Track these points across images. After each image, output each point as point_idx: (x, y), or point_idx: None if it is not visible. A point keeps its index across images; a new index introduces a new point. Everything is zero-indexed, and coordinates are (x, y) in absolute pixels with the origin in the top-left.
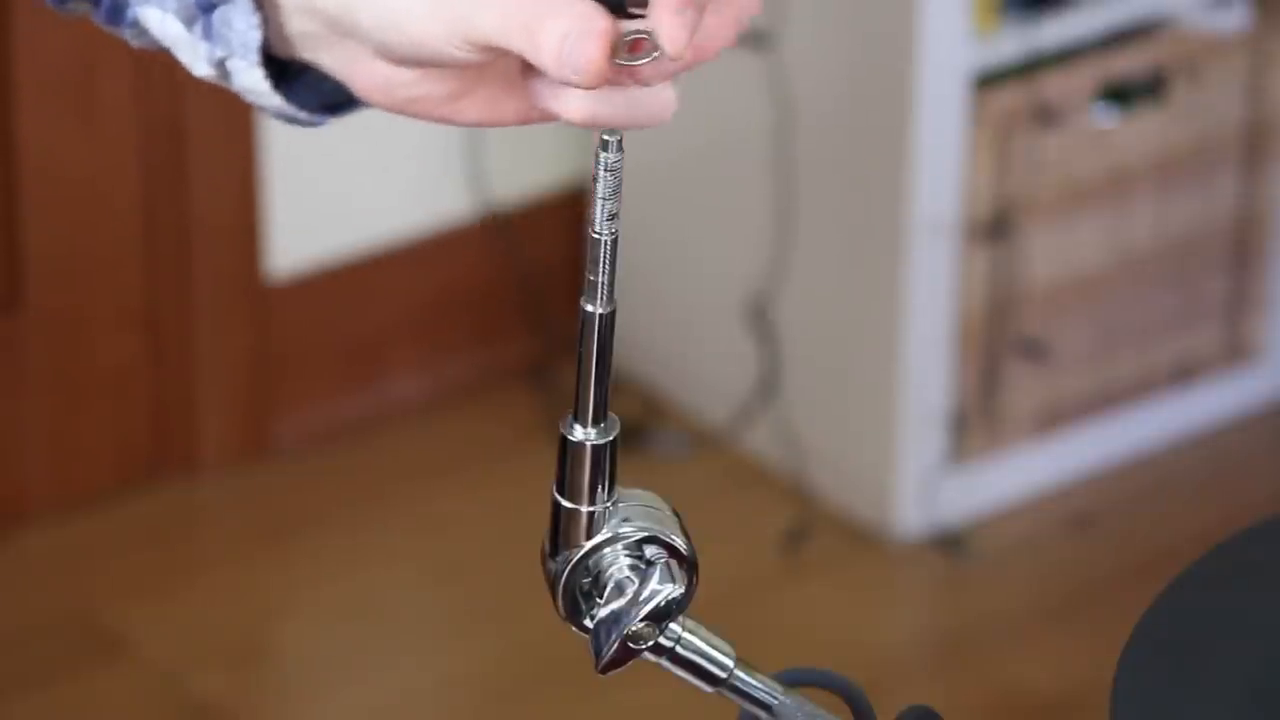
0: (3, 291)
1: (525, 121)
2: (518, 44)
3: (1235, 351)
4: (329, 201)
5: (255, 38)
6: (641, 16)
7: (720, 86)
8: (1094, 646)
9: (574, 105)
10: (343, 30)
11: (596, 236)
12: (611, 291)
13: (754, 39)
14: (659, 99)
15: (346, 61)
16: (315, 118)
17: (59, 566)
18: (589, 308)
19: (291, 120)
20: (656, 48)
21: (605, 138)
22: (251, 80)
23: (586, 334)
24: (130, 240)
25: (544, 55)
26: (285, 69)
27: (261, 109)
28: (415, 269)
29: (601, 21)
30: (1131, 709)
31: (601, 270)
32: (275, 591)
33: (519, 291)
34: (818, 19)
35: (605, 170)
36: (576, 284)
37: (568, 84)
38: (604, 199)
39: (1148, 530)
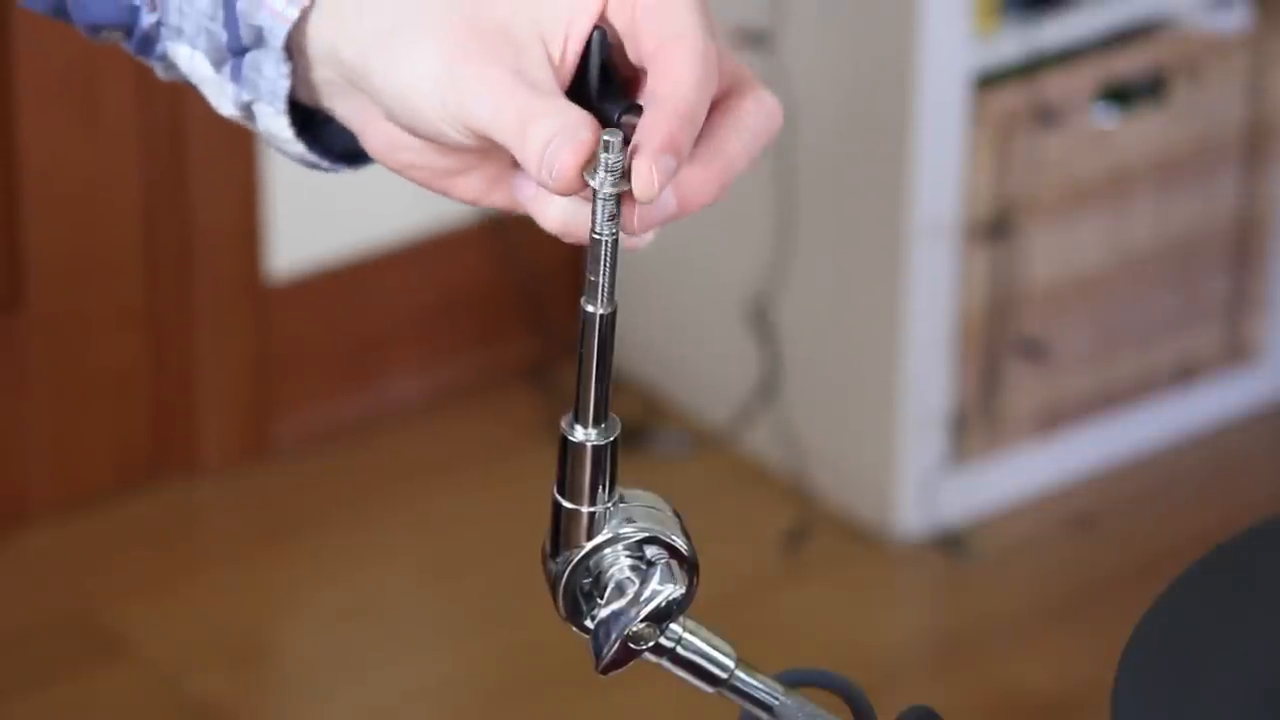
0: (4, 292)
1: (514, 211)
2: (508, 138)
3: (1235, 351)
4: (329, 202)
5: (284, 86)
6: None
7: None
8: (1095, 646)
9: (550, 213)
10: (358, 86)
11: (597, 237)
12: (612, 292)
13: (754, 39)
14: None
15: (360, 113)
16: (335, 166)
17: (59, 566)
18: (589, 308)
19: (312, 166)
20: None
21: (606, 138)
22: (276, 126)
23: (587, 334)
24: (131, 241)
25: (528, 153)
26: (309, 116)
27: (283, 153)
28: (415, 270)
29: (586, 133)
30: (1132, 709)
31: (602, 271)
32: (275, 591)
33: (519, 292)
34: (818, 19)
35: (605, 171)
36: (576, 285)
37: (543, 186)
38: (604, 199)
39: (1148, 530)
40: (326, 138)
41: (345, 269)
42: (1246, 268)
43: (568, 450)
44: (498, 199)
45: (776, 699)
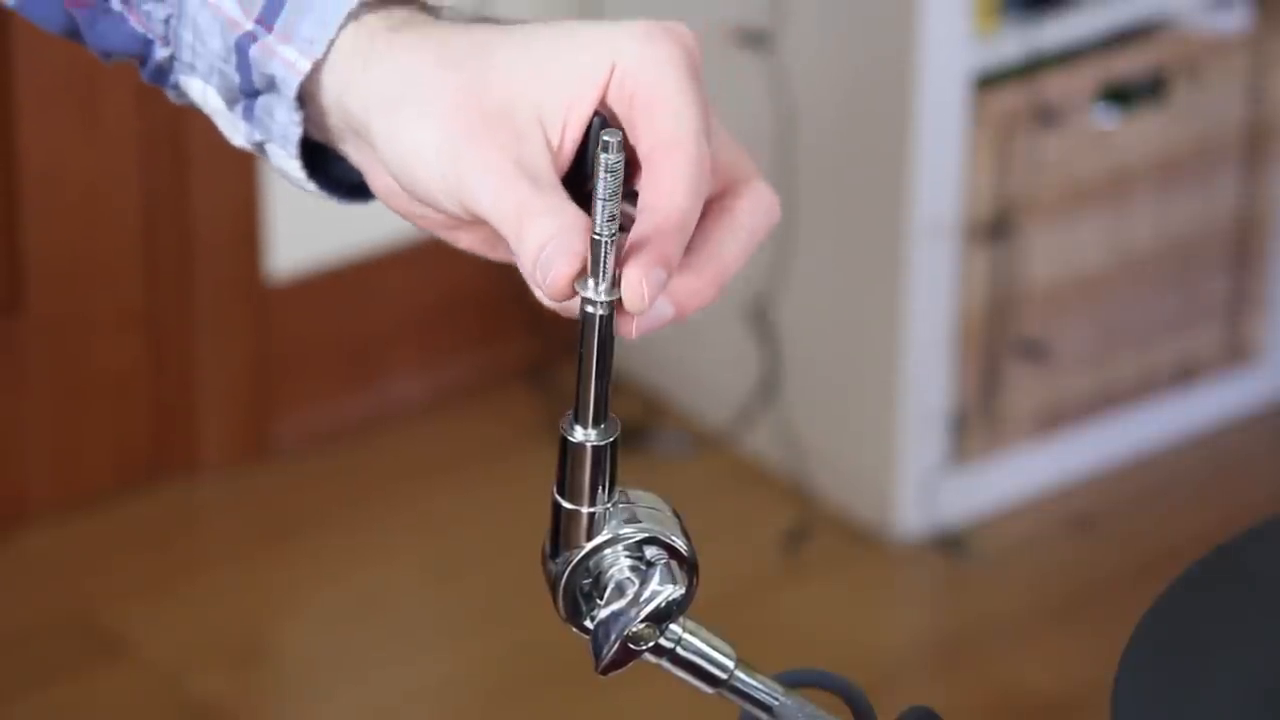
0: (4, 294)
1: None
2: (504, 230)
3: (1235, 352)
4: (329, 203)
5: (295, 133)
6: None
7: (720, 86)
8: (1095, 647)
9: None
10: (362, 138)
11: (596, 238)
12: (612, 293)
13: (754, 39)
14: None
15: (368, 161)
16: (345, 200)
17: (59, 566)
18: (589, 308)
19: (336, 199)
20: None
21: (606, 138)
22: (289, 167)
23: (587, 335)
24: (131, 242)
25: (522, 254)
26: (321, 149)
27: (295, 187)
28: (415, 270)
29: (580, 244)
30: (1132, 709)
31: (601, 271)
32: (275, 591)
33: (519, 292)
34: (818, 19)
35: (605, 171)
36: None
37: (535, 288)
38: (604, 200)
39: (1148, 531)
40: (338, 171)
41: (345, 269)
42: (1246, 268)
43: (567, 450)
44: (499, 253)
45: (776, 699)
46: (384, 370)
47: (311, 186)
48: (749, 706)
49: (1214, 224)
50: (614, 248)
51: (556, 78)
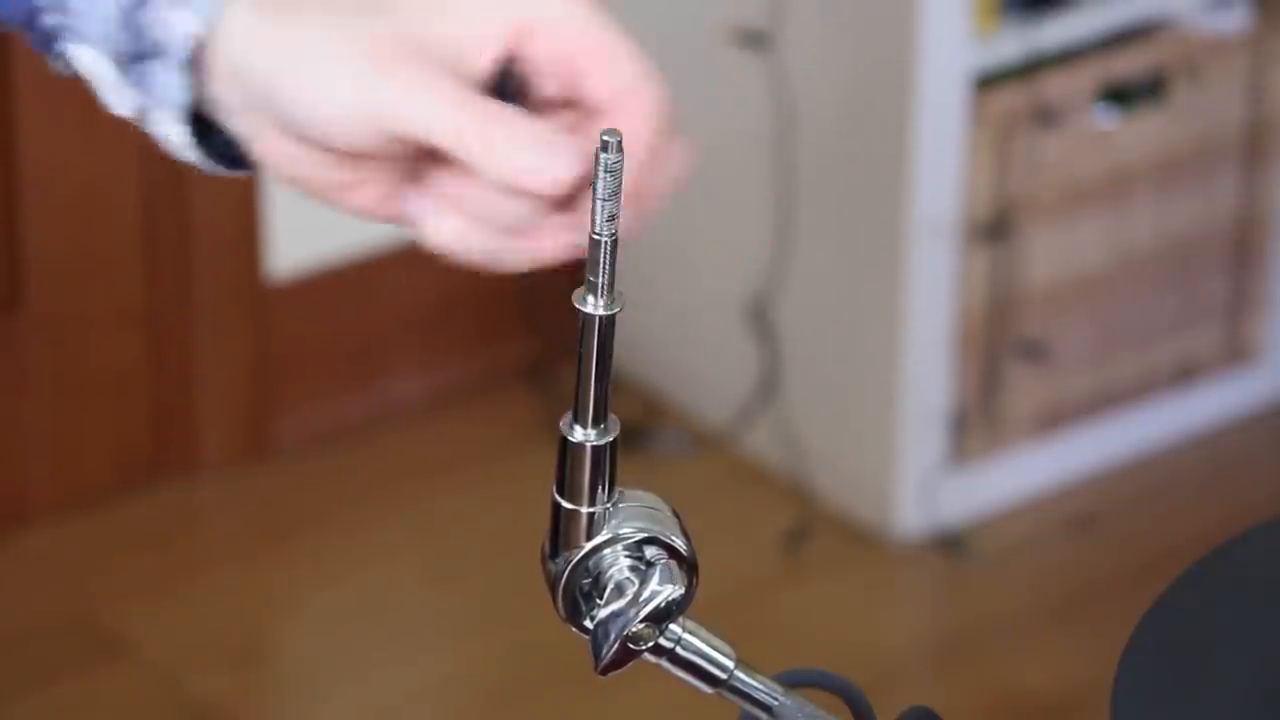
0: (4, 292)
1: (402, 225)
2: (458, 140)
3: (1235, 352)
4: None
5: (184, 97)
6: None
7: (720, 86)
8: (1095, 647)
9: (446, 229)
10: (260, 98)
11: (596, 238)
12: (611, 293)
13: (753, 39)
14: (526, 247)
15: (255, 127)
16: (232, 171)
17: (59, 566)
18: (589, 309)
19: (209, 170)
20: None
21: (605, 138)
22: (174, 134)
23: (586, 335)
24: (131, 241)
25: (500, 152)
26: (199, 121)
27: (177, 158)
28: (415, 270)
29: (569, 141)
30: (1131, 710)
31: (601, 272)
32: (275, 591)
33: (518, 292)
34: (818, 19)
35: (605, 171)
36: (576, 284)
37: (521, 188)
38: (603, 200)
39: (1148, 531)
40: (218, 144)
41: (345, 269)
42: (1246, 268)
43: (567, 450)
44: (392, 212)
45: (776, 699)
46: (384, 370)
47: (193, 155)
48: (749, 706)
49: (1214, 224)
50: (614, 249)
51: (467, 14)
